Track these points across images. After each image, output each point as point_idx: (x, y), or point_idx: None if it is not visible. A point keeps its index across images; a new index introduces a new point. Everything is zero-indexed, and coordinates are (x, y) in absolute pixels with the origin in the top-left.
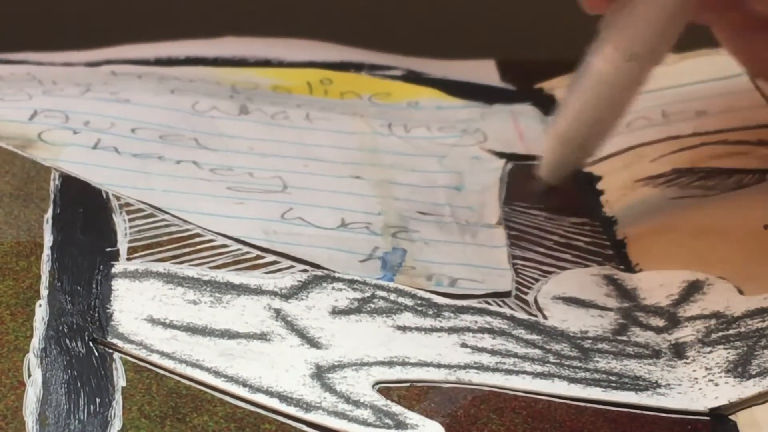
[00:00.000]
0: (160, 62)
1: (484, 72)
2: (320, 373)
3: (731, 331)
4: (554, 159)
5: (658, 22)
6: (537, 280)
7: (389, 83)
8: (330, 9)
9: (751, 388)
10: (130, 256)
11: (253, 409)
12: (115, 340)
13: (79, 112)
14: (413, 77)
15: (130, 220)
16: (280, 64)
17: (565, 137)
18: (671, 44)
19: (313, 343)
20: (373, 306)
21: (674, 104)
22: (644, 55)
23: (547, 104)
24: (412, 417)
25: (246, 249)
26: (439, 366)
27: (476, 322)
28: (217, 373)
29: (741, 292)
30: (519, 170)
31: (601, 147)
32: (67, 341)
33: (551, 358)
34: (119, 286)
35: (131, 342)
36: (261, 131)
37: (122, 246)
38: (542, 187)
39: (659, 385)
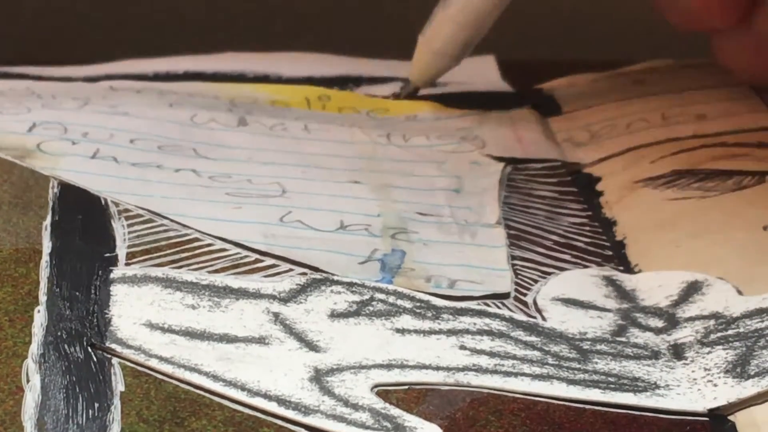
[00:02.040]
0: (158, 77)
1: (484, 69)
2: (319, 377)
3: (730, 332)
4: (426, 67)
5: None
6: (536, 281)
7: (388, 101)
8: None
9: (749, 388)
10: (129, 262)
11: (251, 413)
12: (113, 345)
13: (78, 124)
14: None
15: (129, 225)
16: (279, 79)
17: (439, 52)
18: None
19: (312, 347)
20: (371, 309)
21: (674, 108)
22: None
23: (546, 105)
24: (410, 420)
25: (245, 253)
26: (437, 368)
27: (475, 324)
28: (215, 377)
29: (740, 293)
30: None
31: (468, 50)
32: (66, 347)
33: (550, 360)
34: (118, 291)
35: (130, 347)
36: (259, 141)
37: (121, 251)
38: (410, 88)
39: (658, 386)
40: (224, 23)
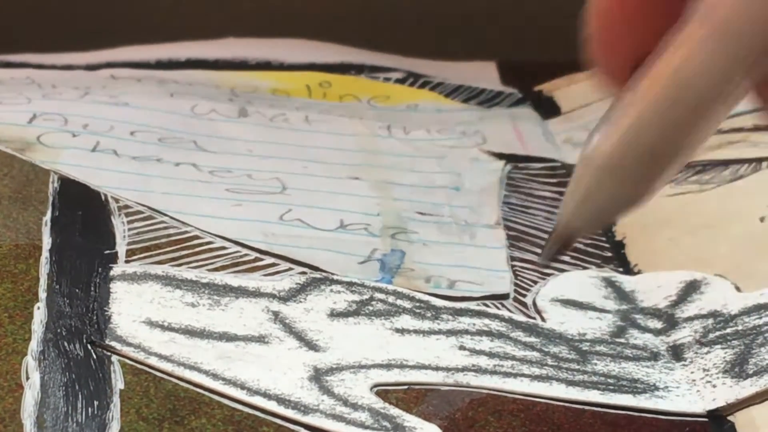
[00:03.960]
0: (160, 65)
1: (485, 74)
2: (318, 376)
3: (728, 330)
4: (591, 198)
5: None
6: (535, 282)
7: (388, 86)
8: (331, 8)
9: (748, 388)
10: (129, 259)
11: (251, 411)
12: (113, 343)
13: (78, 115)
14: (413, 80)
15: (129, 222)
16: (281, 66)
17: (614, 163)
18: None
19: (312, 346)
20: (371, 308)
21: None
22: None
23: (546, 107)
24: (409, 420)
25: (244, 251)
26: (437, 369)
27: (474, 324)
28: (215, 376)
29: (738, 289)
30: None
31: (664, 182)
32: (65, 344)
33: (549, 361)
34: (117, 288)
35: (129, 345)
36: (260, 133)
37: (121, 248)
38: (562, 238)
39: (657, 388)
40: (226, 6)
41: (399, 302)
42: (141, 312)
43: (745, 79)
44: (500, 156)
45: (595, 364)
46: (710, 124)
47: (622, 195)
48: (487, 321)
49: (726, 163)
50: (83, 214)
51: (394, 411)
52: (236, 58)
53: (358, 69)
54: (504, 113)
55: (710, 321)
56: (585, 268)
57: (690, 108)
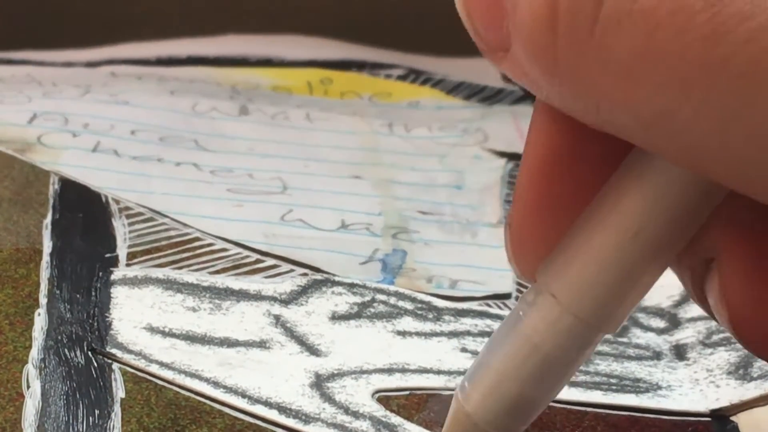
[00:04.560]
0: (161, 62)
1: (486, 70)
2: (319, 383)
3: None
4: None
5: (626, 274)
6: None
7: (390, 83)
8: (332, 5)
9: (752, 390)
10: (130, 262)
11: (252, 420)
12: (114, 350)
13: (79, 115)
14: (414, 77)
15: (130, 224)
16: (282, 63)
17: (478, 415)
18: (639, 300)
19: (313, 351)
20: (373, 310)
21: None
22: (602, 317)
23: None
24: (411, 428)
25: (246, 253)
26: (438, 372)
27: (476, 325)
28: (216, 384)
29: None
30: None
31: (527, 425)
32: (66, 351)
33: None
34: (118, 293)
35: (130, 352)
36: (261, 132)
37: (121, 251)
38: None
39: (660, 387)
40: (226, 3)
41: (401, 304)
42: (142, 317)
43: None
44: (502, 154)
45: (598, 364)
46: (565, 376)
47: None
48: (489, 321)
49: None
50: (84, 216)
51: (395, 419)
52: (237, 54)
53: (359, 66)
54: (506, 111)
55: (714, 323)
56: None
57: (540, 368)
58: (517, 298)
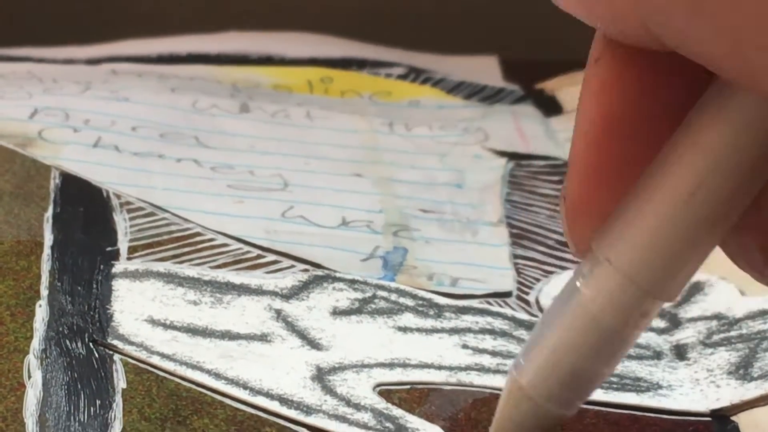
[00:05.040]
0: (162, 59)
1: (487, 69)
2: (321, 375)
3: (733, 333)
4: (515, 418)
5: (683, 237)
6: (538, 280)
7: (390, 82)
8: (334, 2)
9: (753, 390)
10: (131, 256)
11: (253, 412)
12: (115, 342)
13: (80, 111)
14: (414, 76)
15: (131, 218)
16: (282, 61)
17: (534, 390)
18: (697, 268)
19: (314, 345)
20: (374, 306)
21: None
22: (660, 284)
23: (547, 105)
24: (412, 420)
25: (247, 248)
26: (440, 368)
27: (477, 322)
28: (217, 375)
29: (742, 293)
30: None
31: (584, 400)
32: (68, 342)
33: None
34: (119, 286)
35: (131, 343)
36: (262, 129)
37: (122, 245)
38: None
39: (661, 386)
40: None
41: (401, 300)
42: (143, 310)
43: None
44: (502, 153)
45: None
46: (622, 348)
47: (547, 418)
48: (490, 319)
49: None
50: (85, 210)
51: (396, 412)
52: (238, 52)
53: (360, 64)
54: (506, 110)
55: (714, 323)
56: None
57: (599, 340)
58: (517, 297)
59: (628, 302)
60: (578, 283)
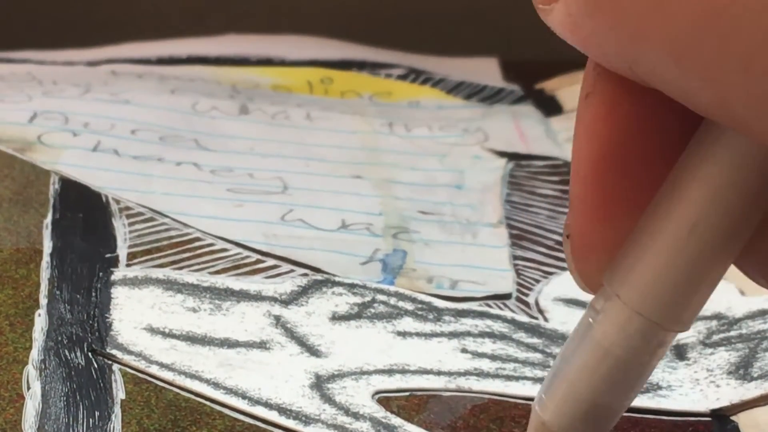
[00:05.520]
0: (161, 61)
1: (486, 70)
2: (320, 383)
3: (732, 333)
4: None
5: (687, 269)
6: (538, 281)
7: (390, 83)
8: (333, 4)
9: (753, 390)
10: (130, 262)
11: (252, 422)
12: (114, 351)
13: (79, 114)
14: (414, 77)
15: (130, 224)
16: (282, 62)
17: (557, 426)
18: (707, 296)
19: (313, 351)
20: (373, 311)
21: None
22: (669, 315)
23: (547, 105)
24: (411, 429)
25: (246, 253)
26: (439, 373)
27: (477, 326)
28: (216, 385)
29: (742, 293)
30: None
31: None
32: (67, 352)
33: (552, 363)
34: (119, 293)
35: (130, 353)
36: (261, 131)
37: (122, 251)
38: None
39: (660, 387)
40: (227, 2)
41: (401, 304)
42: (142, 318)
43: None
44: (502, 154)
45: None
46: (639, 379)
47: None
48: (489, 322)
49: None
50: (84, 216)
51: (395, 420)
52: (237, 54)
53: (359, 65)
54: (506, 110)
55: (714, 323)
56: None
57: (614, 374)
58: (517, 299)
59: (640, 335)
60: (591, 320)
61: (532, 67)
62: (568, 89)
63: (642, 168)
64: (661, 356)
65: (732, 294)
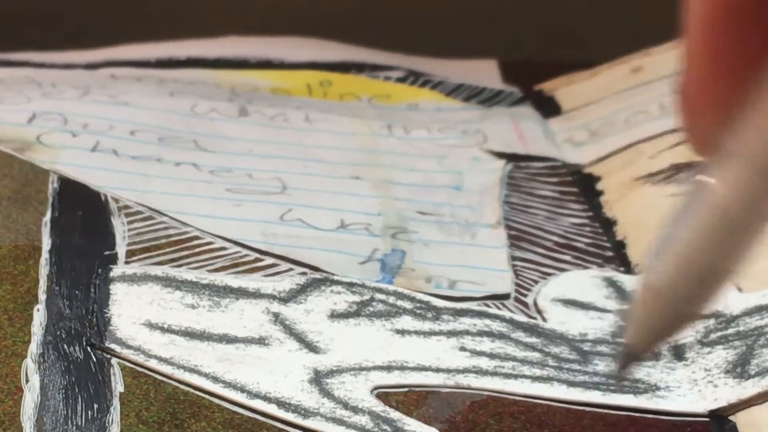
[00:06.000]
0: (161, 64)
1: (486, 72)
2: (318, 379)
3: (730, 331)
4: (652, 320)
5: None
6: (536, 282)
7: (389, 85)
8: (332, 6)
9: (750, 388)
10: (129, 260)
11: (251, 415)
12: (113, 345)
13: (78, 115)
14: (413, 79)
15: (129, 222)
16: (281, 65)
17: (669, 290)
18: None
19: (312, 348)
20: (372, 309)
21: (671, 95)
22: None
23: (546, 107)
24: (410, 423)
25: (245, 252)
26: (437, 370)
27: (475, 325)
28: (215, 379)
29: (740, 290)
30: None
31: (716, 298)
32: (65, 346)
33: (550, 362)
34: (117, 290)
35: (129, 347)
36: (260, 133)
37: (120, 249)
38: (629, 357)
39: (658, 388)
40: (226, 4)
41: (399, 303)
42: (141, 314)
43: None
44: (501, 155)
45: (596, 365)
46: (751, 247)
47: (682, 317)
48: (488, 321)
49: None
50: (83, 214)
51: (394, 414)
52: (237, 56)
53: (358, 68)
54: (505, 112)
55: (711, 321)
56: (586, 267)
57: (731, 234)
58: (515, 299)
59: (757, 190)
60: (709, 179)
61: (530, 69)
62: (567, 89)
63: (760, 24)
64: None
65: (729, 291)
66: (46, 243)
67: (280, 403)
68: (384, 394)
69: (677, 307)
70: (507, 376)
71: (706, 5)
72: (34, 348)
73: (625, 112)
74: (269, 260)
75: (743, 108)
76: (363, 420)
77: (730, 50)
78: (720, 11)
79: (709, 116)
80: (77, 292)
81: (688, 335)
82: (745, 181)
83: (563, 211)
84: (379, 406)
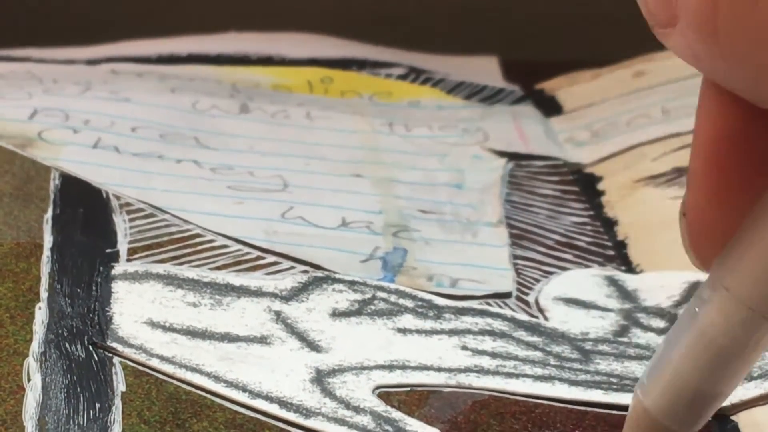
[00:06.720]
0: (162, 60)
1: (487, 70)
2: (320, 378)
3: None
4: None
5: None
6: (538, 281)
7: (390, 83)
8: (333, 2)
9: (752, 390)
10: (130, 257)
11: (253, 414)
12: (114, 344)
13: (79, 111)
14: (414, 76)
15: (131, 220)
16: (282, 61)
17: (658, 411)
18: None
19: (314, 347)
20: (373, 308)
21: (675, 100)
22: None
23: (547, 105)
24: (411, 423)
25: (246, 249)
26: (439, 370)
27: (477, 324)
28: (216, 378)
29: None
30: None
31: (706, 420)
32: (67, 345)
33: (552, 361)
34: (119, 288)
35: (131, 346)
36: (261, 130)
37: (122, 247)
38: None
39: None
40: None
41: (401, 301)
42: (142, 312)
43: None
44: (502, 154)
45: (598, 364)
46: (740, 377)
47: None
48: (489, 320)
49: None
50: (85, 211)
51: (396, 414)
52: (238, 52)
53: (360, 64)
54: (506, 111)
55: None
56: (587, 266)
57: (719, 362)
58: (517, 297)
59: (745, 326)
60: (696, 309)
61: (532, 67)
62: (568, 89)
63: (760, 154)
64: (765, 348)
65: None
66: (48, 240)
67: (282, 403)
68: (386, 394)
69: (666, 429)
70: (508, 375)
71: (708, 135)
72: (35, 346)
73: (627, 115)
74: (271, 258)
75: (732, 241)
76: (365, 420)
77: (730, 181)
78: (720, 143)
79: (708, 238)
80: (79, 290)
81: None
82: (734, 313)
83: (564, 209)
84: (380, 406)
